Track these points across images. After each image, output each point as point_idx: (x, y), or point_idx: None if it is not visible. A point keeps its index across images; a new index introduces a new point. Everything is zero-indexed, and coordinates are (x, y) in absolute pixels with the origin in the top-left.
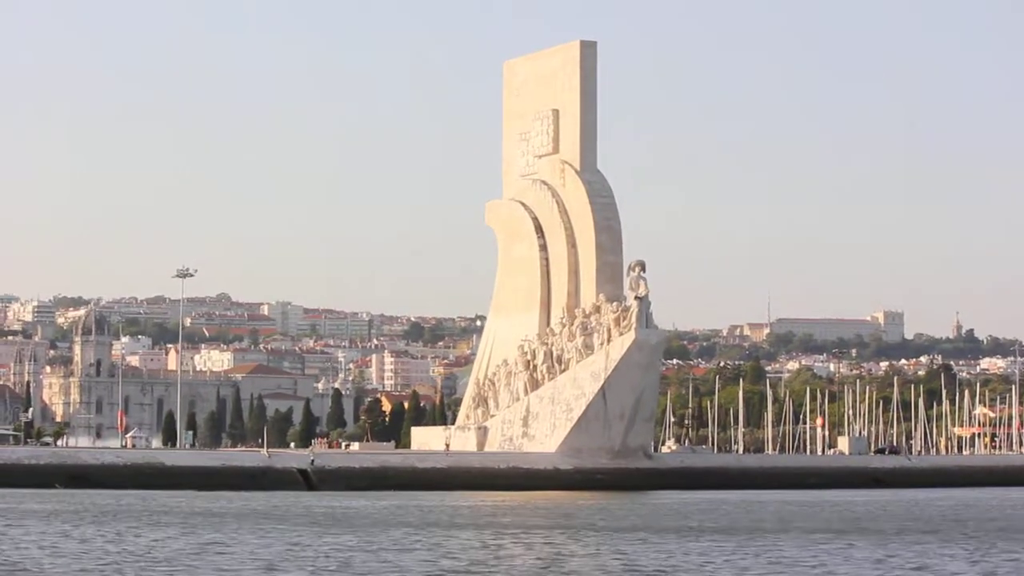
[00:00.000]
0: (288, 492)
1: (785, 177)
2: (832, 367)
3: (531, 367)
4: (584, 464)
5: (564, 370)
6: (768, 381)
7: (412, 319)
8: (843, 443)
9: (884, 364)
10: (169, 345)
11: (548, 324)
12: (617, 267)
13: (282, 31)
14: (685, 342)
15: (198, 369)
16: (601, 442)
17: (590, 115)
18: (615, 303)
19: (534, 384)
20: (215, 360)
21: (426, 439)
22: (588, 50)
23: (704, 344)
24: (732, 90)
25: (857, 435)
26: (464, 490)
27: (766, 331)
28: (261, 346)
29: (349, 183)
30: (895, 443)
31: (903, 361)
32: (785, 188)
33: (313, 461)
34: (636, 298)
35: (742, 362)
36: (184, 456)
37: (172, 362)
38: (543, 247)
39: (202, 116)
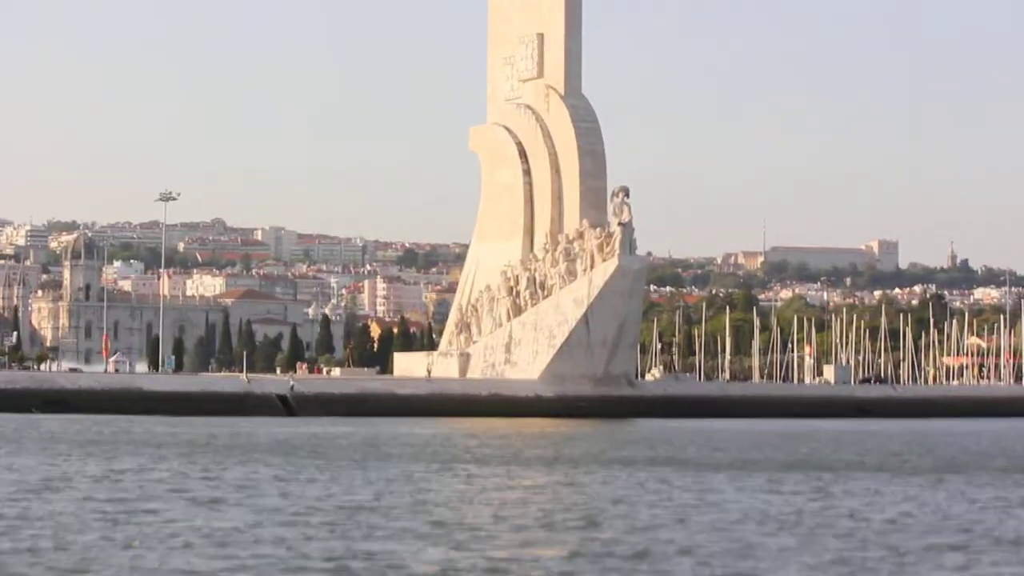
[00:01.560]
0: (267, 418)
1: (781, 107)
2: (825, 296)
3: (514, 293)
4: (566, 391)
5: (547, 296)
6: (756, 309)
7: (407, 245)
8: (829, 372)
9: (878, 293)
10: (161, 270)
11: (531, 250)
12: (601, 193)
13: None
14: (679, 270)
15: (188, 294)
16: (584, 369)
17: (575, 39)
18: (598, 229)
19: (517, 310)
20: (207, 285)
21: (409, 365)
22: None
23: (698, 272)
24: (725, 17)
25: (843, 364)
26: (445, 416)
27: (760, 259)
28: (254, 271)
29: (341, 110)
30: (882, 373)
31: (897, 290)
32: (781, 117)
33: (293, 387)
34: (619, 224)
35: (735, 290)
36: (163, 381)
37: (165, 287)
38: (527, 172)
39: (199, 47)
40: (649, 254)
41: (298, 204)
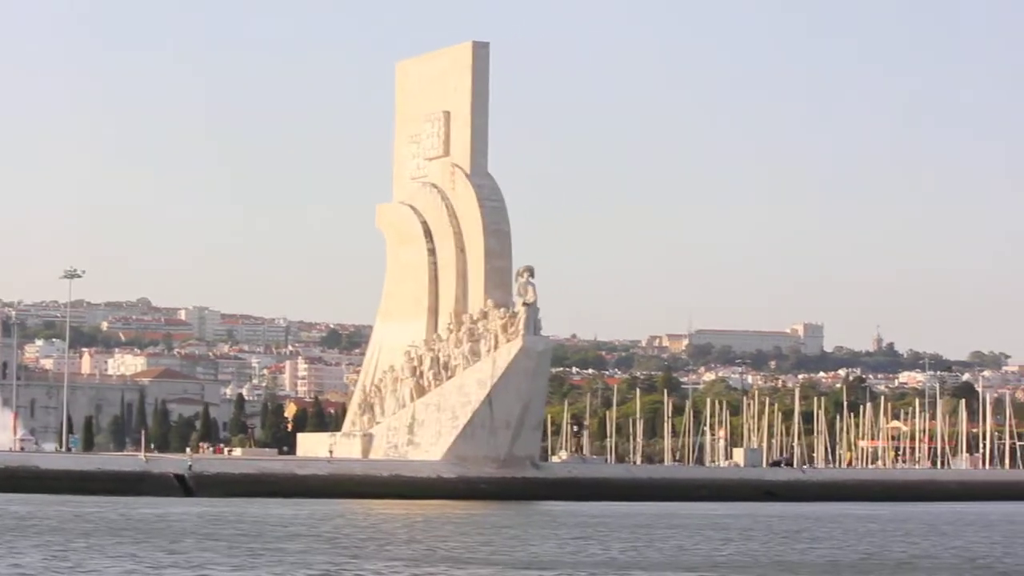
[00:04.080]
0: (163, 498)
1: (705, 188)
2: (750, 379)
3: (417, 373)
4: (469, 473)
5: (451, 377)
6: (668, 392)
7: (331, 325)
8: (739, 455)
9: (802, 377)
10: (84, 349)
11: (436, 330)
12: (506, 272)
13: (165, 43)
14: (603, 352)
15: (108, 373)
16: (487, 451)
17: (481, 117)
18: (503, 309)
19: (420, 391)
20: (128, 364)
21: (312, 446)
22: (480, 51)
23: (623, 355)
24: (635, 91)
25: (753, 447)
26: (347, 498)
27: (685, 342)
28: (176, 351)
29: (265, 188)
30: (794, 456)
31: (821, 374)
32: (706, 198)
33: (191, 466)
34: (524, 304)
35: (657, 373)
36: (60, 460)
37: (87, 365)
38: (432, 251)
39: (118, 120)
40: (574, 336)
41: (223, 284)
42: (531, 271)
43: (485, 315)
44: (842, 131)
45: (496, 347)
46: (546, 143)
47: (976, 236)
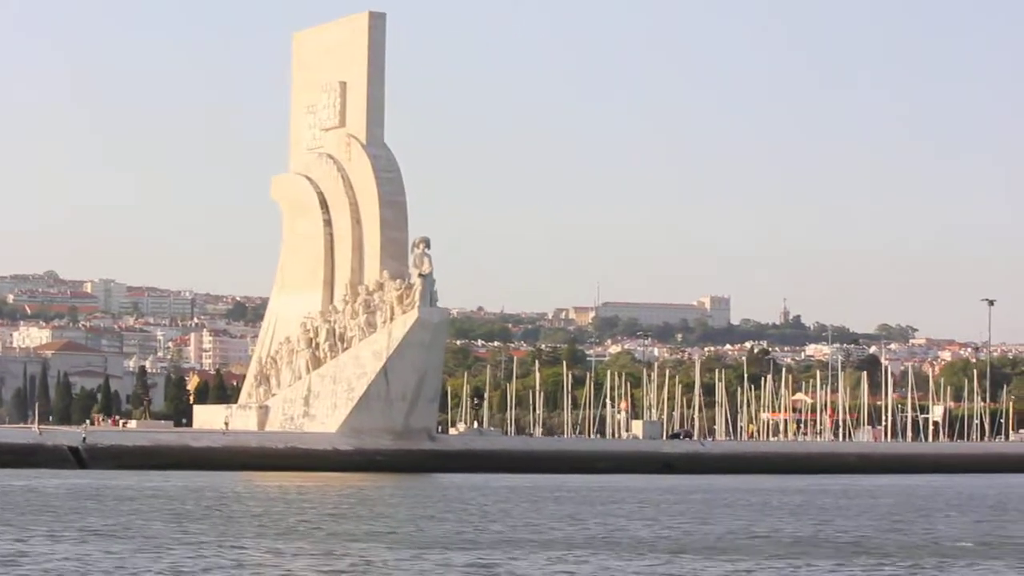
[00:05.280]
0: (57, 470)
1: (614, 162)
2: (656, 352)
3: (313, 345)
4: (365, 445)
5: (347, 349)
6: (564, 364)
7: (237, 298)
8: (638, 427)
9: (709, 350)
10: None
11: (331, 302)
12: (402, 244)
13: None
14: (510, 325)
15: (12, 346)
16: (383, 423)
17: (377, 88)
18: (399, 281)
19: (316, 363)
20: (34, 337)
21: (209, 418)
22: (377, 21)
23: (529, 327)
24: (532, 61)
25: (652, 420)
26: (242, 470)
27: (592, 315)
28: (81, 324)
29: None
30: (690, 429)
31: (728, 346)
32: (616, 171)
33: (84, 439)
34: (420, 276)
35: (562, 345)
36: None
37: None
38: (328, 222)
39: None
40: (480, 309)
41: (129, 257)
42: (427, 242)
43: (381, 287)
44: (747, 106)
45: (392, 319)
46: (443, 114)
47: (886, 210)
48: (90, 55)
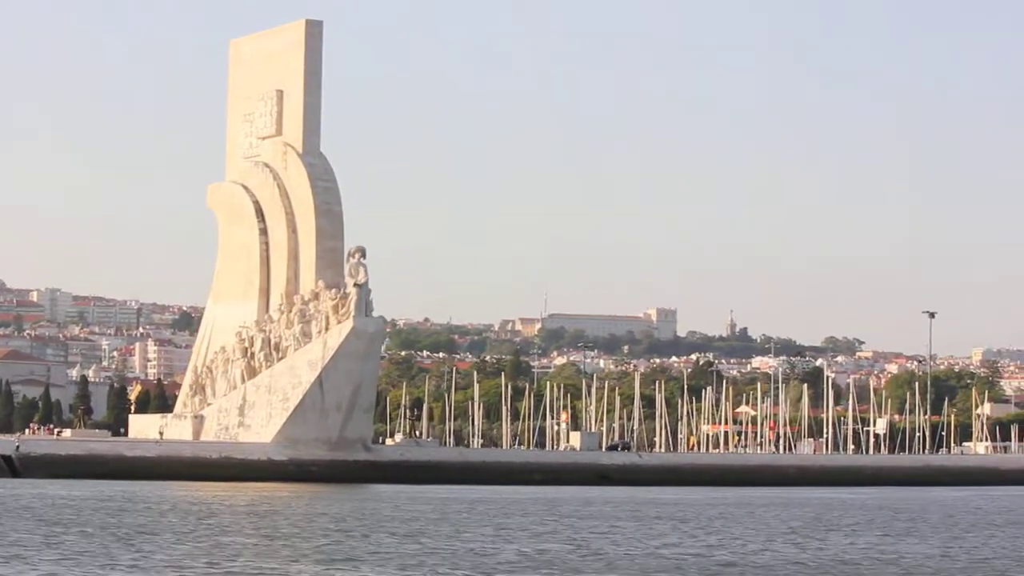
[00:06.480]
0: None
1: (560, 174)
2: (602, 364)
3: (249, 355)
4: (300, 455)
5: (282, 358)
6: (503, 376)
7: (183, 308)
8: (576, 439)
9: (655, 362)
10: None
11: (267, 311)
12: (338, 253)
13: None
14: (456, 336)
15: None
16: (318, 433)
17: (314, 96)
18: (334, 290)
19: (251, 372)
20: None
21: (144, 427)
22: (314, 29)
23: (475, 338)
24: (471, 70)
25: (590, 431)
26: (177, 480)
27: (538, 326)
28: (27, 332)
29: (116, 169)
30: (628, 440)
31: (673, 359)
32: (561, 184)
33: (18, 447)
34: (355, 285)
35: (507, 357)
36: None
37: None
38: (263, 231)
39: None
40: (426, 320)
41: (75, 267)
42: (363, 252)
43: (316, 296)
44: (695, 119)
45: (327, 328)
46: (380, 123)
47: (836, 224)
48: (52, 64)
